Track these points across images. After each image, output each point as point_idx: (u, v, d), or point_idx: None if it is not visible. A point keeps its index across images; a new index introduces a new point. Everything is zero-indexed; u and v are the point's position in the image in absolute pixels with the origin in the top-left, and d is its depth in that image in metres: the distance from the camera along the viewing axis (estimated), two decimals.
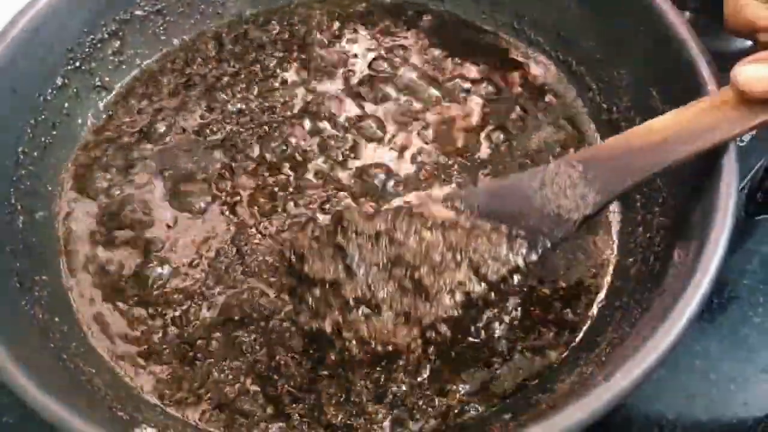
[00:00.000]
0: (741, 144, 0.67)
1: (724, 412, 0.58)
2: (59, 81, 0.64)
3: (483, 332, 0.55)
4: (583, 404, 0.40)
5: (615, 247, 0.59)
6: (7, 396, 0.44)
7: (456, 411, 0.52)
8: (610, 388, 0.40)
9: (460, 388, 0.52)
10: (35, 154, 0.61)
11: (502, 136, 0.65)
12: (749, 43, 0.74)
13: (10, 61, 0.58)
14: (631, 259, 0.56)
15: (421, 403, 0.52)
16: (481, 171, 0.63)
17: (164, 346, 0.55)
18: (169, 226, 0.61)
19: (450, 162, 0.63)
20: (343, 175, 0.63)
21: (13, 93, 0.59)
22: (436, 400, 0.52)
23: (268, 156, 0.64)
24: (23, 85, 0.60)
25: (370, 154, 0.64)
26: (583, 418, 0.39)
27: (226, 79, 0.70)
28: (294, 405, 0.52)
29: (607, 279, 0.57)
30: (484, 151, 0.64)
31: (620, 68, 0.61)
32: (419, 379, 0.53)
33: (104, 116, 0.68)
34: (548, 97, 0.67)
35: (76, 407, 0.43)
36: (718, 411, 0.58)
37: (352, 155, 0.64)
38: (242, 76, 0.70)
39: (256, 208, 0.61)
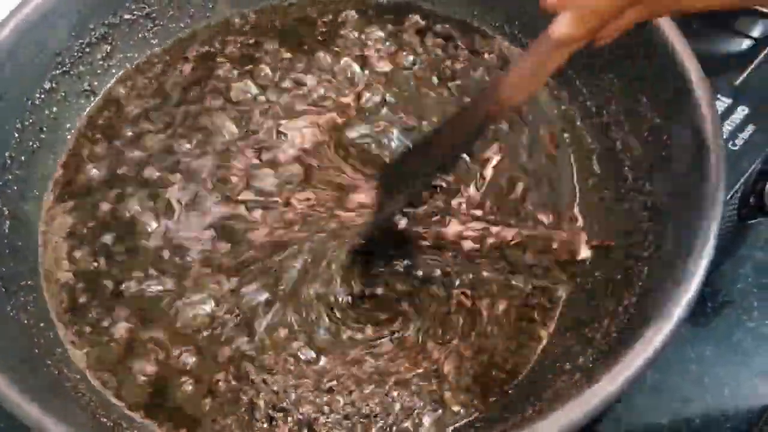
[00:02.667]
0: (733, 148, 0.67)
1: (718, 416, 0.58)
2: (47, 85, 0.64)
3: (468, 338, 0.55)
4: (567, 410, 0.39)
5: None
6: None
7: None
8: (596, 393, 0.40)
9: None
10: (22, 158, 0.61)
11: None
12: (743, 46, 0.74)
13: None
14: (619, 262, 0.56)
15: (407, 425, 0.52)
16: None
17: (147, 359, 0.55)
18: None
19: None
20: None
21: (0, 96, 0.59)
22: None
23: None
24: (11, 88, 0.60)
25: None
26: (565, 424, 0.39)
27: (217, 82, 0.69)
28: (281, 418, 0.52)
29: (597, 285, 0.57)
30: None
31: (609, 73, 0.61)
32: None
33: (93, 121, 0.67)
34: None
35: (58, 413, 0.43)
36: (712, 415, 0.58)
37: None
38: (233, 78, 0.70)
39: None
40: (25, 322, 0.53)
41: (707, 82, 0.52)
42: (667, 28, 0.55)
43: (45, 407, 0.43)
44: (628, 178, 0.59)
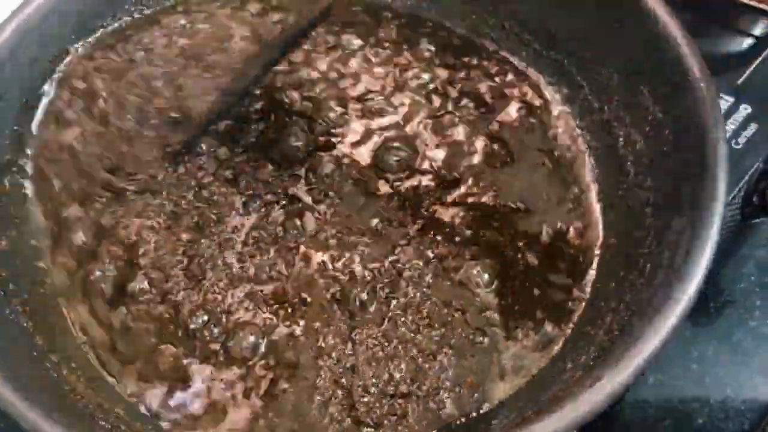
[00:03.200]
0: (736, 147, 0.67)
1: (720, 416, 0.58)
2: (46, 89, 0.63)
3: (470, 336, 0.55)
4: (566, 412, 0.39)
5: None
6: None
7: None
8: (597, 391, 0.41)
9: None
10: (21, 162, 0.61)
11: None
12: (744, 45, 0.74)
13: None
14: (621, 259, 0.56)
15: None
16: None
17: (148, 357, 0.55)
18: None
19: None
20: None
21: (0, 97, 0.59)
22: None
23: None
24: (11, 88, 0.60)
25: None
26: (561, 427, 0.39)
27: None
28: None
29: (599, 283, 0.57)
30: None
31: (610, 66, 0.61)
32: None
33: None
34: (538, 101, 0.68)
35: (55, 417, 0.42)
36: (714, 415, 0.58)
37: None
38: None
39: None
40: (25, 324, 0.53)
41: (709, 76, 0.52)
42: (668, 19, 0.55)
43: (42, 409, 0.43)
44: (630, 173, 0.59)
